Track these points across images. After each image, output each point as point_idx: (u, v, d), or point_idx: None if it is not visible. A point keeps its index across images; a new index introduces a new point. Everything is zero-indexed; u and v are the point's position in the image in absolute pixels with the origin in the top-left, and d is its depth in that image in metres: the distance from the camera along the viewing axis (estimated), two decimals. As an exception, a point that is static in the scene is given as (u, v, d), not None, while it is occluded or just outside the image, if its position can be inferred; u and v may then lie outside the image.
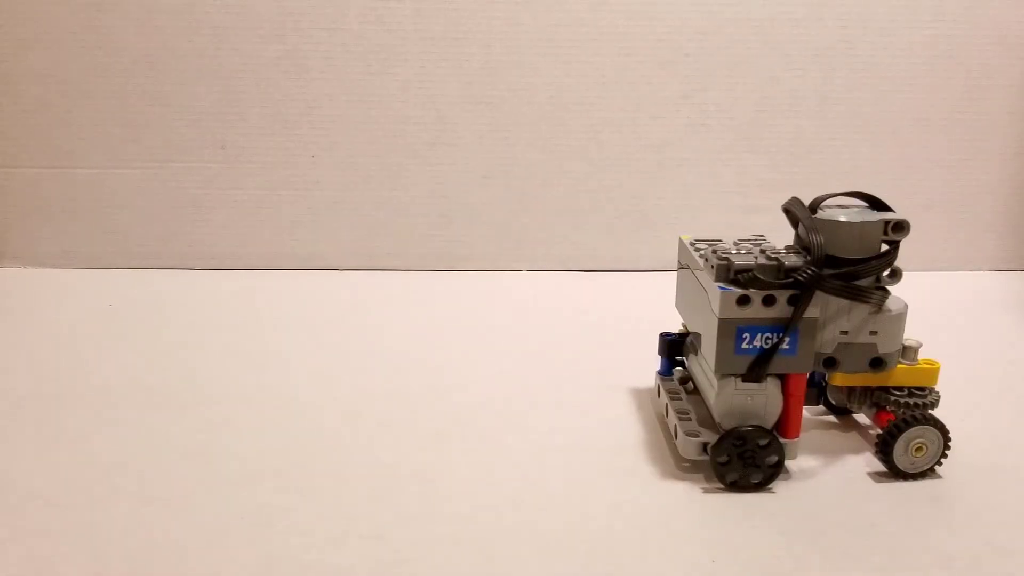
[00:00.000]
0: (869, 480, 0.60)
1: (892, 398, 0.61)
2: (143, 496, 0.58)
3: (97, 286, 0.98)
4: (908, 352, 0.61)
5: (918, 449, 0.59)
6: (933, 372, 0.62)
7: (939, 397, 0.62)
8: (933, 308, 0.92)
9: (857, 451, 0.64)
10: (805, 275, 0.56)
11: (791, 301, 0.56)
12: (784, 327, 0.57)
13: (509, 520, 0.56)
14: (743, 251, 0.60)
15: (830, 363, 0.60)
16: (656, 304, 0.88)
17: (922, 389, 0.61)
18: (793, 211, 0.61)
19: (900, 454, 0.60)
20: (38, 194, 1.02)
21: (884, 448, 0.59)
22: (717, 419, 0.59)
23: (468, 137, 1.00)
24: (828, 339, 0.60)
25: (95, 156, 1.01)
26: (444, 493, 0.59)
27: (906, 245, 0.59)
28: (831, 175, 1.01)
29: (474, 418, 0.69)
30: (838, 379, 0.63)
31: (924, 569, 0.51)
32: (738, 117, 1.00)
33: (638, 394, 0.74)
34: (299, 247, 1.04)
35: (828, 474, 0.61)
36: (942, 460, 0.60)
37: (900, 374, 0.61)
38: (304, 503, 0.58)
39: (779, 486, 0.59)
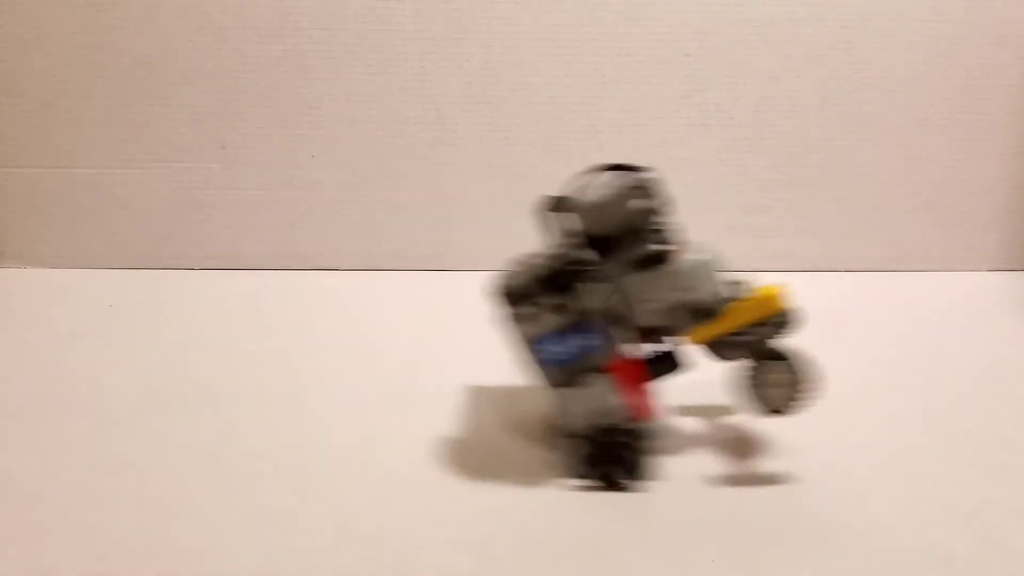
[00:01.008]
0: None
1: (738, 340, 0.58)
2: (143, 497, 0.59)
3: (97, 286, 0.98)
4: (738, 290, 0.59)
5: (775, 385, 0.57)
6: (766, 299, 0.58)
7: (779, 326, 0.58)
8: (933, 308, 0.92)
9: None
10: (561, 274, 0.58)
11: (569, 301, 0.57)
12: (577, 327, 0.58)
13: (514, 522, 0.56)
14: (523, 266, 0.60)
15: (666, 331, 0.60)
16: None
17: (762, 324, 0.58)
18: (551, 208, 0.61)
19: (761, 395, 0.58)
20: (38, 194, 1.01)
21: (746, 395, 0.58)
22: (571, 426, 0.60)
23: (468, 137, 1.00)
24: (646, 313, 0.59)
25: (95, 156, 1.00)
26: (447, 494, 0.59)
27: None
28: (831, 175, 1.01)
29: (475, 418, 0.69)
30: (695, 339, 0.60)
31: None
32: (738, 117, 1.00)
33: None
34: (299, 247, 1.03)
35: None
36: (810, 392, 0.57)
37: (737, 314, 0.58)
38: (305, 504, 0.58)
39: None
